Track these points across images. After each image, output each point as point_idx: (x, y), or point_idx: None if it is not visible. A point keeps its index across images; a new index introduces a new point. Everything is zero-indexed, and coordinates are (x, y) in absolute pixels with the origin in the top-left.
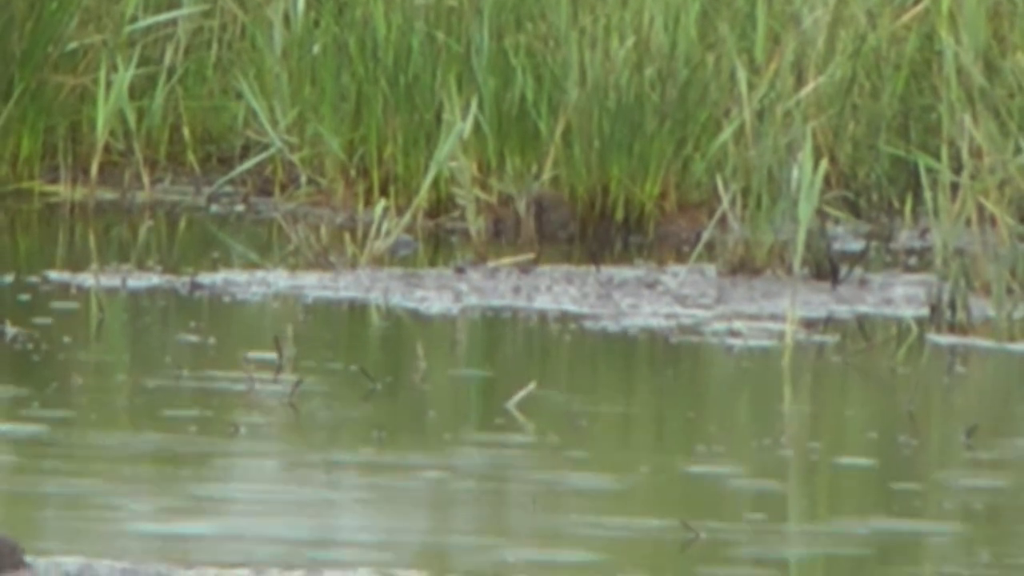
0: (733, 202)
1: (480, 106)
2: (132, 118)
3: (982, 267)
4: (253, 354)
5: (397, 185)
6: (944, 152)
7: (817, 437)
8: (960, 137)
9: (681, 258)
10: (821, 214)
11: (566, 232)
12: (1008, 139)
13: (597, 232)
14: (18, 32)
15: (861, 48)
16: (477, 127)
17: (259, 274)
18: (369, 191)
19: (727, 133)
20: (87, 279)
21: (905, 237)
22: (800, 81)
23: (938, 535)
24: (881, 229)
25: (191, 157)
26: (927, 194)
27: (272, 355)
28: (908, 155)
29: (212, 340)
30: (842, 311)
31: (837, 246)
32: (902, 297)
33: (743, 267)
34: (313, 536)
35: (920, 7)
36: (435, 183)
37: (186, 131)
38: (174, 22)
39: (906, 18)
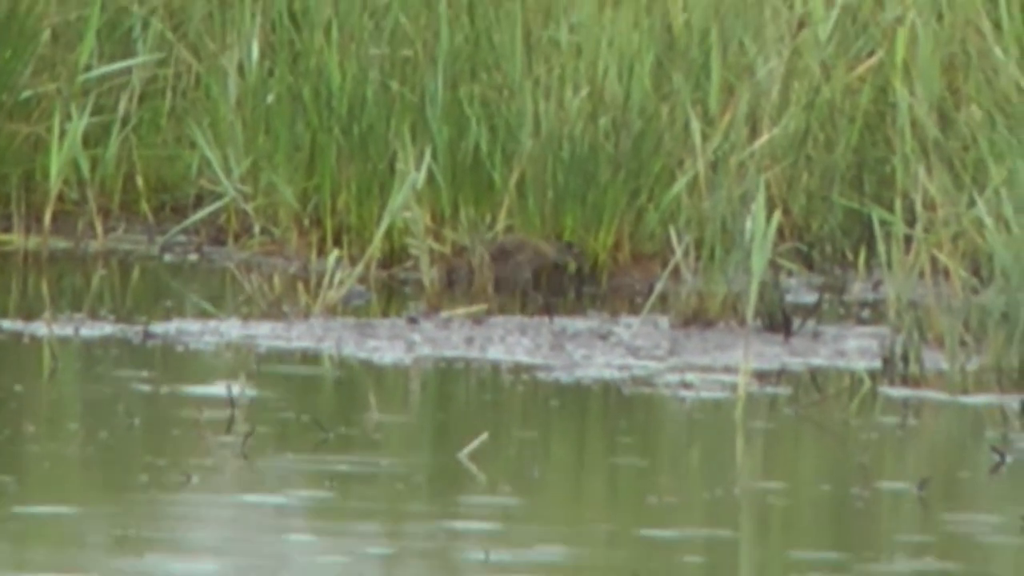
0: (686, 253)
1: (434, 156)
2: (86, 167)
3: (935, 319)
4: (205, 403)
5: (350, 235)
6: (898, 204)
7: (770, 489)
8: (914, 189)
9: (634, 309)
10: (774, 266)
11: (530, 275)
12: (962, 191)
13: (550, 282)
14: None
15: (815, 100)
16: (431, 177)
17: (212, 323)
18: (322, 241)
19: (681, 184)
20: (40, 327)
21: (858, 289)
22: (754, 132)
23: None
24: (834, 281)
25: (145, 206)
26: (881, 246)
27: (225, 405)
28: (862, 207)
29: (165, 389)
30: (795, 363)
31: (790, 298)
32: (855, 349)
33: (696, 318)
34: None
35: (874, 59)
36: (388, 233)
37: (140, 180)
38: (128, 71)
39: (860, 70)
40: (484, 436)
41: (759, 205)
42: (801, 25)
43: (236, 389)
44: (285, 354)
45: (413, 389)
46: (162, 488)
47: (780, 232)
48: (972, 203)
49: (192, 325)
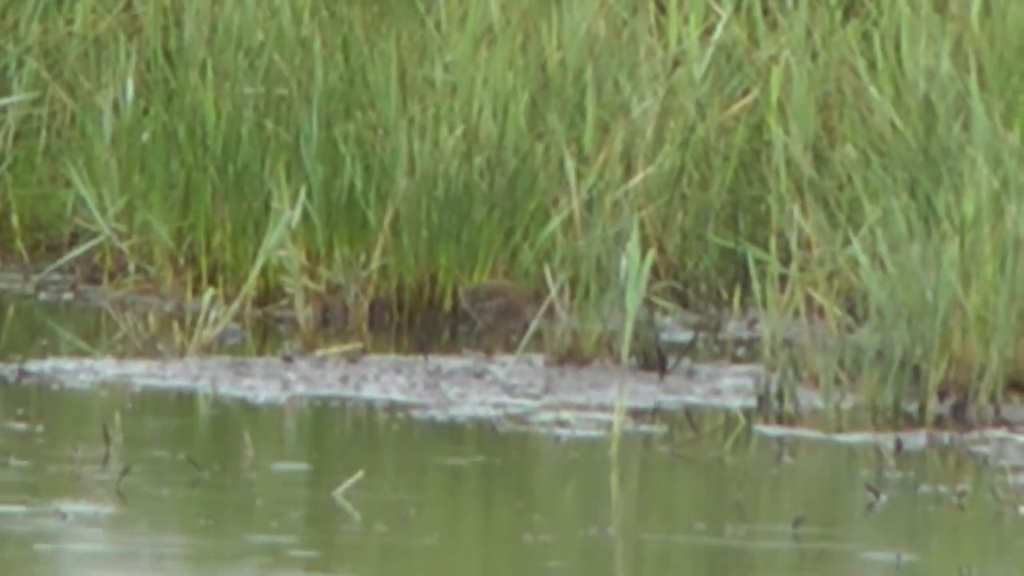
0: (561, 292)
1: (309, 195)
2: None
3: (810, 358)
4: (81, 442)
5: (225, 273)
6: (773, 243)
7: (645, 527)
8: (789, 228)
9: (509, 348)
10: (649, 304)
11: (493, 321)
12: (837, 230)
13: (425, 321)
14: None
15: (690, 138)
16: (306, 216)
17: (87, 362)
18: (197, 279)
19: (556, 222)
20: None
21: (733, 328)
22: (629, 171)
23: None
24: (709, 320)
25: (19, 244)
26: (755, 285)
27: (100, 443)
28: (737, 246)
29: (40, 428)
30: (670, 401)
31: (665, 336)
32: (730, 388)
33: (571, 357)
34: None
35: (749, 98)
36: (263, 272)
37: (15, 218)
38: (3, 109)
39: (735, 109)
40: (359, 475)
41: (634, 244)
42: (676, 64)
43: (111, 428)
44: (160, 393)
45: (288, 428)
46: (37, 527)
47: (655, 271)
48: (847, 242)
49: (67, 364)
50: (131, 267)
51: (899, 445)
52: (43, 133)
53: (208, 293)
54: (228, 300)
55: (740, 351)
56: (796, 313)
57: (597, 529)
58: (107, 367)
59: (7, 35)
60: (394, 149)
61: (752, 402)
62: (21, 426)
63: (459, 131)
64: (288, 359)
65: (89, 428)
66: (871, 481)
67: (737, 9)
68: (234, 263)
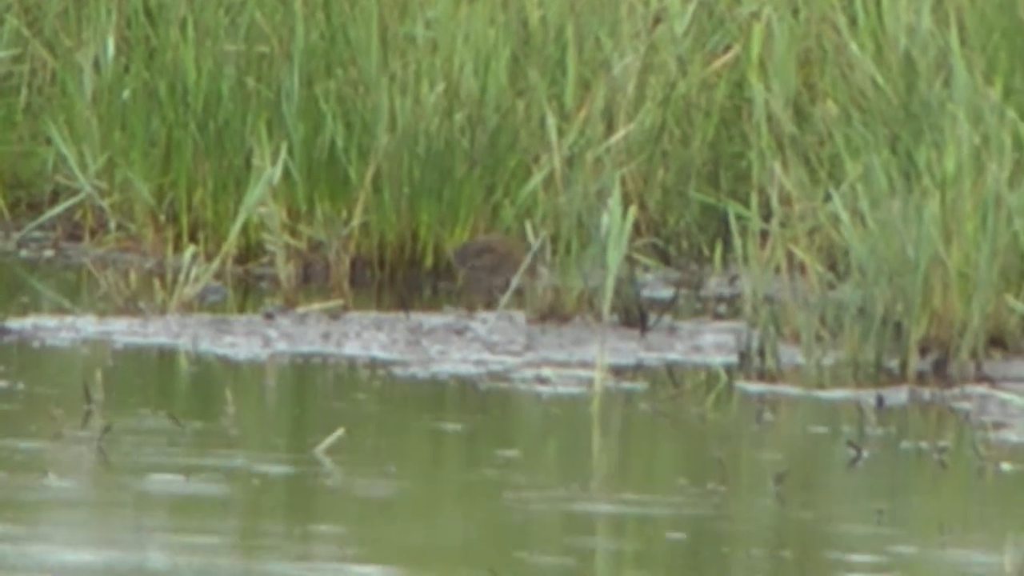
0: (542, 248)
1: (290, 152)
2: None
3: (791, 314)
4: (62, 400)
5: (206, 231)
6: (754, 199)
7: (626, 484)
8: (770, 184)
9: (490, 305)
10: (630, 261)
11: (485, 279)
12: (818, 186)
13: (406, 278)
14: None
15: (671, 95)
16: (287, 173)
17: (68, 319)
18: (178, 237)
19: (537, 179)
20: None
21: (714, 284)
22: (610, 128)
23: None
24: (690, 276)
25: (0, 202)
26: (737, 241)
27: (81, 401)
28: (718, 202)
29: (21, 385)
30: (651, 358)
31: (646, 293)
32: (711, 344)
33: (552, 314)
34: None
35: (730, 54)
36: (244, 229)
37: None
38: None
39: (716, 65)
40: (340, 432)
41: (615, 200)
42: (657, 20)
43: (92, 385)
44: (141, 350)
45: (269, 385)
46: (18, 485)
47: (636, 227)
48: (828, 198)
49: (48, 321)
50: (112, 224)
51: (880, 401)
52: (23, 90)
53: (189, 250)
54: (209, 257)
55: (721, 308)
56: (777, 269)
57: (578, 486)
58: (88, 324)
59: None
60: (375, 106)
61: (733, 359)
62: (1, 384)
63: (440, 88)
64: (269, 316)
65: (70, 386)
66: (852, 437)
67: None
68: (215, 220)
